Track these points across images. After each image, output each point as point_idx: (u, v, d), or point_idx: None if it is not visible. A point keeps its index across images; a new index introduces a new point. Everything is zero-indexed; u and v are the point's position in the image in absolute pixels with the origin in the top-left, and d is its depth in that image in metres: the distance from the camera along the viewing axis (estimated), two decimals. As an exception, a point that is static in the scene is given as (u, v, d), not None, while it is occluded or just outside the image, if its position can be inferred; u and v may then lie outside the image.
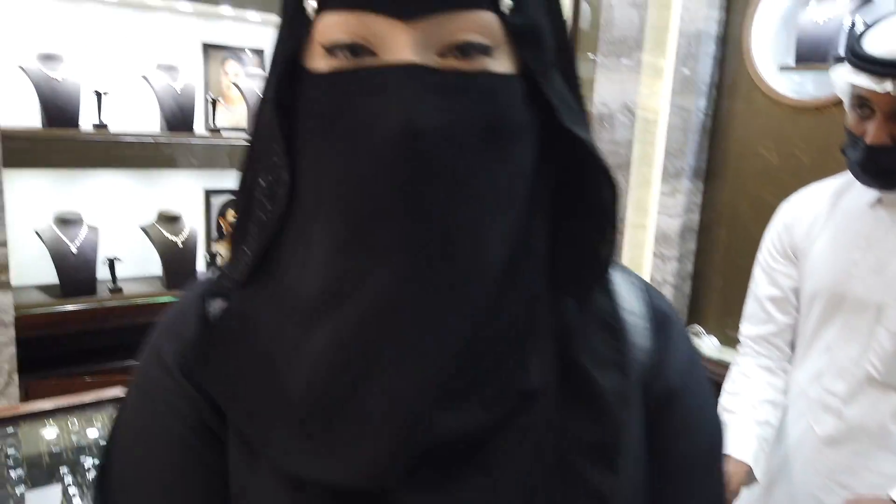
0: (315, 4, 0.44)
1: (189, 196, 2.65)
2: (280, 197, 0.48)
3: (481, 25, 0.44)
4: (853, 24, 1.09)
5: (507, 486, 0.46)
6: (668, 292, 2.21)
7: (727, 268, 2.16)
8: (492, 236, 0.45)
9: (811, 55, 1.88)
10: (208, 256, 2.68)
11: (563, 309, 0.52)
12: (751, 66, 2.01)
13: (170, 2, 2.45)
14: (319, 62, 0.45)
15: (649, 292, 0.59)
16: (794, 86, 1.95)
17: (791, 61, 1.95)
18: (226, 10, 2.62)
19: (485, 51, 0.44)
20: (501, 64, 0.45)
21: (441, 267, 0.43)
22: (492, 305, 0.46)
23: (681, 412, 0.57)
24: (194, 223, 2.57)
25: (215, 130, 2.60)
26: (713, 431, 0.60)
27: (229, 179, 2.63)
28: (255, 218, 0.50)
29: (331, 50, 0.44)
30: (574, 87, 0.51)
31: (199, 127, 2.54)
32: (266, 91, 0.48)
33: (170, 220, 2.47)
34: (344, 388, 0.44)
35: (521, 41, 0.46)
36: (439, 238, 0.43)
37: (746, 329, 1.33)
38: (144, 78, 2.40)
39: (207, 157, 2.58)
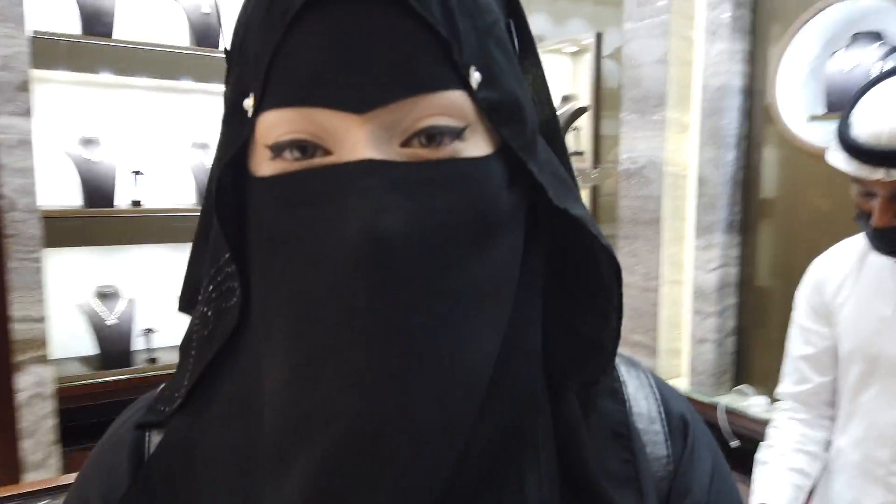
0: (251, 102, 0.38)
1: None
2: (230, 308, 0.43)
3: (447, 106, 0.38)
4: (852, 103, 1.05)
5: None
6: (709, 350, 2.13)
7: (774, 322, 2.07)
8: (478, 339, 0.39)
9: (841, 104, 1.83)
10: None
11: (565, 415, 0.45)
12: (777, 118, 1.96)
13: (202, 84, 2.55)
14: (264, 166, 0.40)
15: (662, 390, 0.53)
16: (826, 135, 1.89)
17: (821, 110, 1.90)
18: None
19: (456, 134, 0.38)
20: (477, 145, 0.39)
21: (420, 389, 0.36)
22: (482, 415, 0.40)
23: None
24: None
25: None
26: None
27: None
28: (200, 327, 0.45)
29: (276, 150, 0.38)
30: (563, 158, 0.46)
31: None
32: (207, 199, 0.43)
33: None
34: None
35: (497, 117, 0.40)
36: (415, 358, 0.36)
37: (784, 388, 1.30)
38: (180, 156, 2.48)
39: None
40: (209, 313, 0.44)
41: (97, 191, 2.29)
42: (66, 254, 2.38)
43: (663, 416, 0.51)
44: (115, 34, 2.34)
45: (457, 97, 0.38)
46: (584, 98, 2.57)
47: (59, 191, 2.34)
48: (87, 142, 2.32)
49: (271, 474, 0.39)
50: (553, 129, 0.46)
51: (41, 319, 2.06)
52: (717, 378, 2.14)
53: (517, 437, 0.42)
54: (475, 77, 0.38)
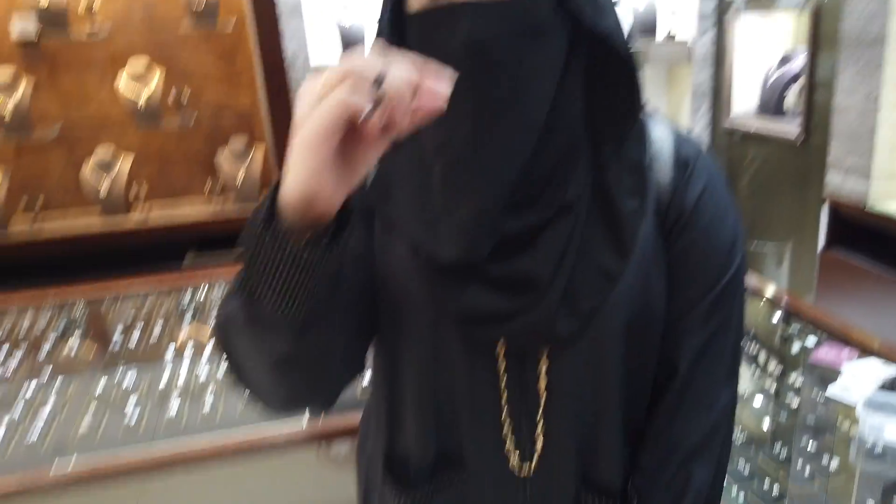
0: None
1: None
2: None
3: None
4: None
5: (547, 259, 0.65)
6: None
7: None
8: (533, 101, 0.62)
9: None
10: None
11: (603, 157, 0.68)
12: None
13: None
14: (414, 4, 0.63)
15: (678, 139, 0.72)
16: None
17: None
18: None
19: None
20: None
21: (499, 124, 0.61)
22: (541, 147, 0.64)
23: (691, 232, 0.70)
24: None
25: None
26: (721, 247, 0.71)
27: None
28: None
29: None
30: None
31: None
32: (378, 32, 0.65)
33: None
34: (447, 200, 0.64)
35: None
36: (496, 106, 0.61)
37: None
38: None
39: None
40: None
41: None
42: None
43: (674, 153, 0.71)
44: None
45: None
46: None
47: (325, 51, 2.86)
48: (346, 6, 2.79)
49: (425, 164, 0.66)
50: None
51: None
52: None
53: (566, 164, 0.66)
54: None
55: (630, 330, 0.69)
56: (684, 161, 0.71)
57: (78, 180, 2.68)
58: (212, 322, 2.04)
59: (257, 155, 2.75)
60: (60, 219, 2.69)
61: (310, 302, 0.54)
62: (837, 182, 2.39)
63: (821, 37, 2.49)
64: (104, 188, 2.62)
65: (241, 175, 2.69)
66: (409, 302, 0.71)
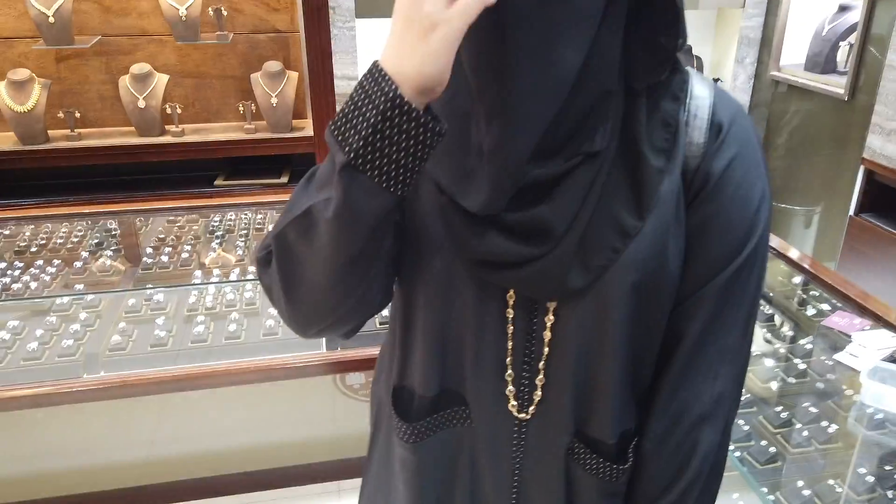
0: None
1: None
2: None
3: None
4: None
5: (564, 209, 0.65)
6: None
7: None
8: (571, 46, 0.60)
9: None
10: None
11: (637, 107, 0.66)
12: None
13: None
14: None
15: (718, 99, 0.70)
16: None
17: None
18: None
19: None
20: None
21: (534, 68, 0.60)
22: (573, 95, 0.62)
23: (715, 201, 0.68)
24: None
25: None
26: (744, 221, 0.69)
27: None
28: None
29: None
30: None
31: None
32: None
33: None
34: (481, 149, 0.64)
35: None
36: (536, 48, 0.59)
37: None
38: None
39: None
40: None
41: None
42: (374, 23, 2.91)
43: (710, 115, 0.69)
44: None
45: None
46: None
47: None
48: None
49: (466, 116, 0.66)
50: None
51: (355, 78, 2.64)
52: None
53: (596, 113, 0.65)
54: None
55: (640, 290, 0.68)
56: (719, 124, 0.69)
57: (116, 95, 2.71)
58: (250, 242, 2.11)
59: (290, 81, 2.75)
60: (97, 137, 2.74)
61: (413, 179, 0.60)
62: (878, 145, 2.32)
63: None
64: (139, 105, 2.65)
65: (274, 100, 2.70)
66: (428, 240, 0.72)
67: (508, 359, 0.74)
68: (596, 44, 0.62)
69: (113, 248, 2.11)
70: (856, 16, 2.61)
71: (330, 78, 2.61)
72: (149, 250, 2.06)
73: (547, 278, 0.67)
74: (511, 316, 0.72)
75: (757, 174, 0.70)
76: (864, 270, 2.38)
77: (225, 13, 2.63)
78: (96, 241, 2.14)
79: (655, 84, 0.67)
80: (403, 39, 0.56)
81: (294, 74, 2.78)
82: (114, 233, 2.25)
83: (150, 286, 1.87)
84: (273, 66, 2.72)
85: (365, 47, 2.76)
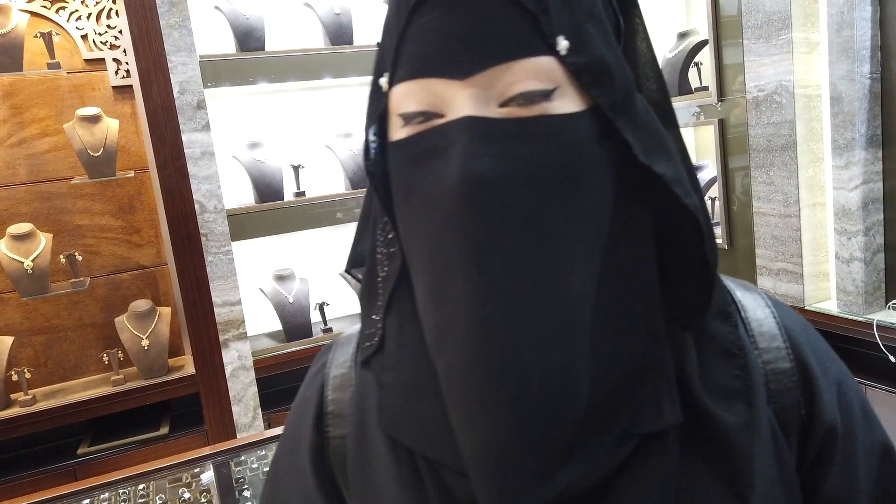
0: (386, 80, 0.49)
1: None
2: (395, 252, 0.53)
3: (538, 72, 0.44)
4: None
5: None
6: (858, 269, 2.11)
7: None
8: (572, 273, 0.45)
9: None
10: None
11: (682, 342, 0.51)
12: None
13: (339, 80, 2.81)
14: (397, 132, 0.49)
15: (778, 309, 0.58)
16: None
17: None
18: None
19: (545, 95, 0.44)
20: (567, 104, 0.45)
21: (521, 311, 0.42)
22: (598, 346, 0.46)
23: (842, 450, 0.54)
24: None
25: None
26: (873, 461, 0.56)
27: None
28: (378, 269, 0.55)
29: (406, 119, 0.47)
30: (668, 122, 0.51)
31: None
32: (364, 164, 0.53)
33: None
34: (460, 424, 0.45)
35: (585, 79, 0.45)
36: (515, 282, 0.42)
37: None
38: (328, 147, 2.76)
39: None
40: (384, 259, 0.55)
41: (267, 187, 2.61)
42: (247, 245, 2.74)
43: (783, 332, 0.55)
44: (267, 47, 2.63)
45: (546, 62, 0.44)
46: (703, 31, 2.56)
47: (235, 191, 2.68)
48: (254, 145, 2.65)
49: (429, 374, 0.49)
50: (659, 89, 0.52)
51: (237, 302, 2.41)
52: (867, 297, 2.12)
53: (642, 366, 0.48)
54: (563, 44, 0.44)
55: None
56: (797, 338, 0.56)
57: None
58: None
59: (163, 318, 2.45)
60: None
61: None
62: (770, 286, 2.41)
63: (727, 146, 2.60)
64: (-24, 376, 2.21)
65: (145, 342, 2.37)
66: None
67: None
68: (614, 266, 0.48)
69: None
70: (707, 174, 2.83)
71: (209, 308, 2.36)
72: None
73: None
74: None
75: (858, 391, 0.58)
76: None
77: (80, 258, 2.35)
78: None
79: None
80: None
81: (166, 310, 2.50)
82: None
83: None
84: (141, 304, 2.43)
85: (241, 270, 2.56)
